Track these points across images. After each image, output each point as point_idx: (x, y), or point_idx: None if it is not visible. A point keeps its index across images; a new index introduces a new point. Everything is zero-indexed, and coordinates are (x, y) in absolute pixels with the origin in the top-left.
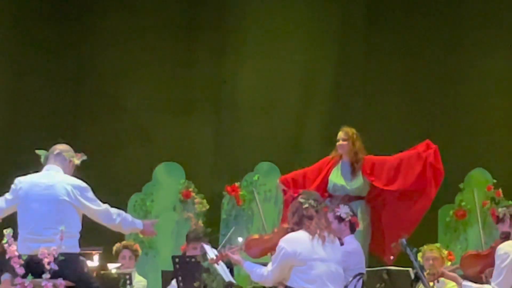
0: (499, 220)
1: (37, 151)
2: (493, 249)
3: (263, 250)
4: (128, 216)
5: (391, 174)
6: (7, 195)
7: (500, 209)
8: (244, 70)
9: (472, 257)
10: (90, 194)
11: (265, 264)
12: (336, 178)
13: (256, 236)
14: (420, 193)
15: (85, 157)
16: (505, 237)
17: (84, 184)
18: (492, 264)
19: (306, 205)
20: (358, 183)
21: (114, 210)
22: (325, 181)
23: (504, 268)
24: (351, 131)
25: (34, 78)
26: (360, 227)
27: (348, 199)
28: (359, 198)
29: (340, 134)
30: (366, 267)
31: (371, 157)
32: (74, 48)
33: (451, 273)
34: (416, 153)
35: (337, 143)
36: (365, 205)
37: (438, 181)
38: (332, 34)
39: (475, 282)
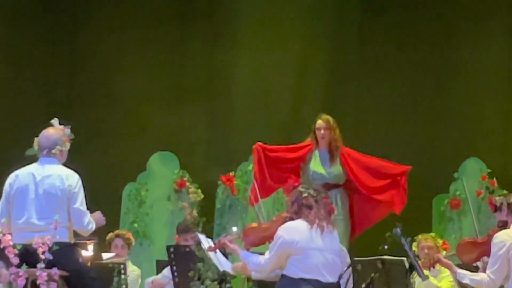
0: (496, 209)
1: (27, 153)
2: (489, 237)
3: (261, 239)
4: (93, 223)
5: (363, 179)
6: (3, 197)
7: (497, 198)
8: (237, 59)
9: (468, 244)
10: (82, 190)
11: (262, 253)
12: (315, 166)
13: (254, 224)
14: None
15: (72, 136)
16: (502, 225)
17: (77, 177)
18: (488, 252)
19: (306, 194)
20: (336, 170)
21: (89, 217)
22: (300, 163)
23: (500, 256)
24: (331, 119)
25: (27, 67)
26: (342, 215)
27: (328, 187)
28: (337, 186)
29: (321, 123)
30: (360, 257)
31: (350, 150)
32: (67, 37)
33: (446, 261)
34: (394, 171)
35: (319, 132)
36: (344, 193)
37: (404, 201)
38: (326, 23)
39: (470, 270)
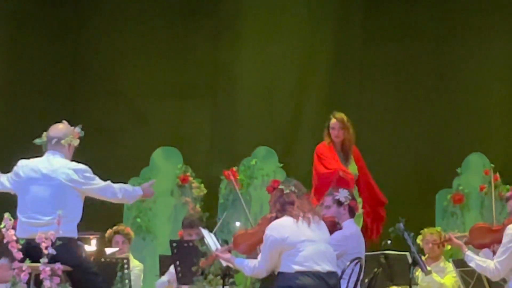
0: None
1: (35, 141)
2: (504, 226)
3: (251, 245)
4: (129, 187)
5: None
6: (11, 175)
7: None
8: (241, 54)
9: (482, 229)
10: (90, 174)
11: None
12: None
13: (241, 231)
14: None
15: (82, 133)
16: None
17: (83, 166)
18: (500, 240)
19: (287, 191)
20: (353, 169)
21: (116, 185)
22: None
23: (510, 248)
24: (345, 117)
25: (31, 62)
26: (359, 211)
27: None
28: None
29: (335, 122)
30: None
31: (358, 151)
32: (71, 33)
33: (457, 241)
34: (378, 195)
35: (333, 131)
36: (358, 190)
37: (379, 231)
38: (330, 18)
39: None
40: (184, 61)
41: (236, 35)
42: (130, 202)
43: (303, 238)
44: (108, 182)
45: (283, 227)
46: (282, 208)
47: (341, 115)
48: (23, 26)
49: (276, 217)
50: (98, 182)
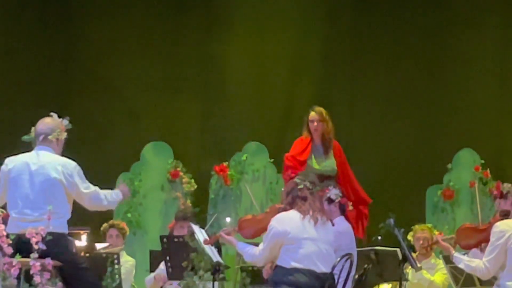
0: (502, 195)
1: (23, 138)
2: (490, 225)
3: (256, 231)
4: (112, 194)
5: (344, 182)
6: None
7: (505, 185)
8: (232, 48)
9: (469, 229)
10: (81, 174)
11: (258, 245)
12: (311, 160)
13: (249, 216)
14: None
15: (70, 126)
16: (505, 215)
17: (74, 163)
18: (487, 239)
19: (301, 186)
20: (331, 163)
21: (102, 192)
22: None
23: (498, 246)
24: (324, 111)
25: (22, 56)
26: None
27: (322, 179)
28: (330, 177)
29: (314, 115)
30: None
31: (341, 148)
32: (62, 26)
33: (444, 243)
34: (362, 194)
35: (312, 124)
36: (337, 185)
37: (364, 229)
38: (321, 12)
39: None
40: (175, 55)
41: (228, 30)
42: (112, 207)
43: (305, 235)
44: (96, 188)
45: (288, 221)
46: (293, 201)
47: (319, 108)
48: (13, 19)
49: (285, 209)
50: (88, 187)
